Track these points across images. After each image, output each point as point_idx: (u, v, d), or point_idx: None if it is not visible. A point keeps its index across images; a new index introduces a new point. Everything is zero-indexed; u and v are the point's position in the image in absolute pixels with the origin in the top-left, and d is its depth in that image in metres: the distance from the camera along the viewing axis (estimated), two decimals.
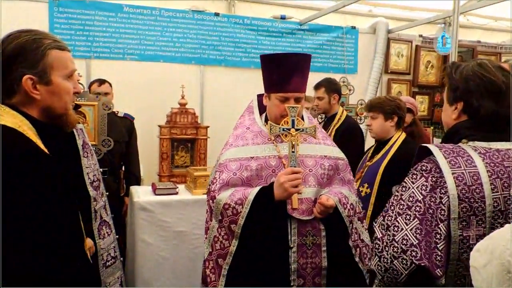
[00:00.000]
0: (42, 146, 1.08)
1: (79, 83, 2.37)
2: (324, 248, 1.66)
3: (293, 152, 1.61)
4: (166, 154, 3.80)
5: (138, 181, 3.39)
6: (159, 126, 3.83)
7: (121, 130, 3.26)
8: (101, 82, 3.32)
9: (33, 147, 1.04)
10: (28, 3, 3.77)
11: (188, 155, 3.91)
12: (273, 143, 1.76)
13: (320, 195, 1.69)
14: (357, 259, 1.74)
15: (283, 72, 1.68)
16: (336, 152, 1.84)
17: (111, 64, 4.05)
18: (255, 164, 1.69)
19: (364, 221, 1.91)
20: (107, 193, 2.97)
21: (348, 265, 1.72)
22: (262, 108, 1.87)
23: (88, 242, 2.10)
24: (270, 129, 1.62)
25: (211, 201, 1.71)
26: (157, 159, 3.88)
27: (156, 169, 3.89)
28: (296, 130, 1.64)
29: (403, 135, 2.62)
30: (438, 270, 1.18)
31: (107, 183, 3.06)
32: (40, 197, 0.96)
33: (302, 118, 1.82)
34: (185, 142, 3.90)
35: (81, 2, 3.96)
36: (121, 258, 2.36)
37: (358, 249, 1.77)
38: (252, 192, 1.62)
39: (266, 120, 1.81)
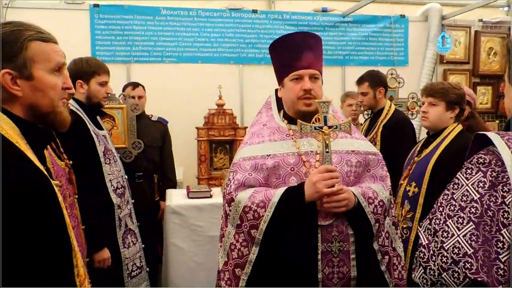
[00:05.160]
0: (24, 147, 0.98)
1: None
2: (353, 256, 1.45)
3: (327, 152, 1.45)
4: (205, 156, 3.71)
5: (174, 185, 3.32)
6: (197, 128, 3.76)
7: (154, 134, 3.20)
8: (135, 85, 3.30)
9: (10, 149, 0.94)
10: (70, 11, 3.88)
11: (227, 157, 3.80)
12: (292, 138, 1.58)
13: None
14: (383, 267, 1.52)
15: (292, 50, 1.55)
16: (366, 146, 1.64)
17: (150, 67, 4.06)
18: (271, 162, 1.53)
19: (398, 227, 1.66)
20: (142, 198, 2.94)
21: (378, 275, 1.50)
22: (280, 104, 1.71)
23: (105, 253, 2.02)
24: (301, 128, 1.46)
25: (226, 205, 1.56)
26: (196, 162, 3.80)
27: (196, 171, 3.81)
28: (329, 127, 1.47)
29: (459, 127, 2.28)
30: (501, 287, 0.92)
31: (142, 188, 3.02)
32: (14, 207, 0.85)
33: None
34: (223, 144, 3.79)
35: (120, 7, 4.02)
36: (147, 269, 2.27)
37: (387, 257, 1.54)
38: (277, 193, 1.46)
39: (285, 116, 1.66)
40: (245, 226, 1.48)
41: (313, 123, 1.48)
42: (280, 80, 1.64)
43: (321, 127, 1.46)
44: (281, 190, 1.46)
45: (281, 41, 1.61)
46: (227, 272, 1.53)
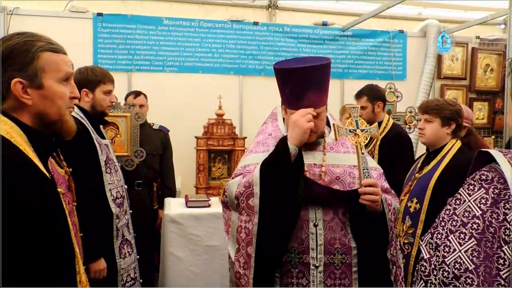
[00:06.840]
0: (32, 154, 1.00)
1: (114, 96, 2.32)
2: (355, 269, 1.47)
3: (363, 153, 1.53)
4: (203, 165, 3.71)
5: (173, 194, 3.31)
6: (196, 137, 3.77)
7: (156, 142, 3.21)
8: (137, 94, 3.31)
9: (19, 155, 0.96)
10: (73, 20, 3.91)
11: (225, 167, 3.80)
12: None
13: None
14: (392, 277, 1.54)
15: (296, 87, 1.49)
16: (367, 161, 1.64)
17: (151, 76, 4.08)
18: None
19: (399, 239, 1.68)
20: (141, 206, 2.93)
21: (382, 285, 1.51)
22: None
23: (101, 263, 2.01)
24: (338, 131, 1.55)
25: (223, 196, 1.60)
26: (194, 171, 3.80)
27: (194, 181, 3.81)
28: (361, 130, 1.57)
29: (459, 143, 2.31)
30: None
31: (141, 196, 3.01)
32: (17, 212, 0.86)
33: (328, 124, 1.68)
34: (222, 154, 3.79)
35: (123, 16, 4.05)
36: (141, 280, 2.25)
37: (394, 267, 1.57)
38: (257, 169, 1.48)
39: None
40: (242, 201, 1.49)
41: (347, 126, 1.58)
42: (282, 103, 1.63)
43: (355, 130, 1.56)
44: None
45: (286, 72, 1.50)
46: (241, 257, 1.50)
